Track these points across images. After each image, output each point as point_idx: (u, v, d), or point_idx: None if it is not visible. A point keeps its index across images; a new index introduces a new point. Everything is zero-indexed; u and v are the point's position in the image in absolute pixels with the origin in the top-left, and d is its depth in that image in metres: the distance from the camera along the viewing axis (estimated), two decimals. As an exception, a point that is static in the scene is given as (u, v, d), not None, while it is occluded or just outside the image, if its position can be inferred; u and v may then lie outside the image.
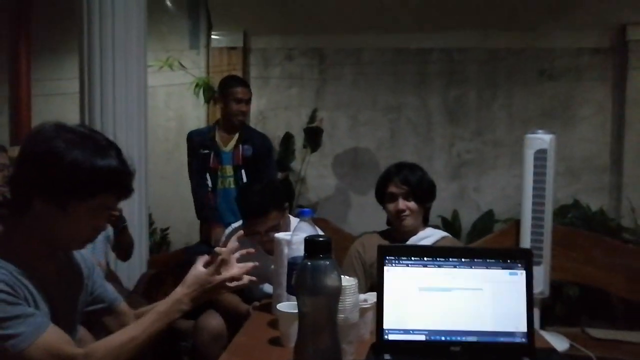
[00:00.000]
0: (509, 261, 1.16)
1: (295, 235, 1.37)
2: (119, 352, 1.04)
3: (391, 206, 1.96)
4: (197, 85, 3.81)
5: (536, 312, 2.43)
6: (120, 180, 1.05)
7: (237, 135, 2.85)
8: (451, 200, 4.01)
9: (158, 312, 1.11)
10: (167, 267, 2.59)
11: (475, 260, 1.16)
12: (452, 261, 1.16)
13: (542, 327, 2.51)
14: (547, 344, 1.32)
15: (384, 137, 4.15)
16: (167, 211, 3.99)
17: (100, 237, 2.11)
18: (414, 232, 1.98)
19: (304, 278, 1.06)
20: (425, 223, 2.05)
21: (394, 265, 1.16)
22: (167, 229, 3.95)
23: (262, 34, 4.12)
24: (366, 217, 4.04)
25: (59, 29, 3.91)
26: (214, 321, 1.99)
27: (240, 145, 2.82)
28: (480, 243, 2.91)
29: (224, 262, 1.18)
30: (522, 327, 1.14)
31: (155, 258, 2.82)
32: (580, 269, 2.57)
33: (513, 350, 1.13)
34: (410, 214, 1.94)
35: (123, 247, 2.32)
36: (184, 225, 4.08)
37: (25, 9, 3.99)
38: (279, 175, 3.91)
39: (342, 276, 1.13)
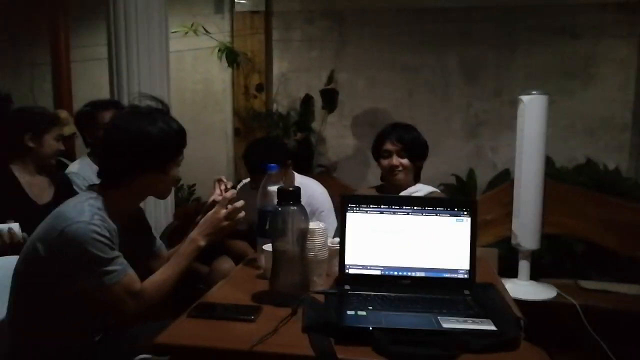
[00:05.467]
0: (455, 210, 1.33)
1: (267, 187, 1.55)
2: (161, 287, 1.33)
3: (385, 162, 2.12)
4: (219, 50, 3.98)
5: (525, 263, 2.58)
6: (185, 134, 1.37)
7: None
8: (467, 159, 4.08)
9: (180, 253, 1.39)
10: (190, 218, 2.86)
11: (427, 209, 1.34)
12: (406, 209, 1.34)
13: (534, 277, 2.65)
14: (500, 285, 1.49)
15: (402, 97, 4.22)
16: (195, 169, 4.27)
17: None
18: (405, 187, 2.14)
19: (276, 221, 1.27)
20: (417, 180, 2.21)
21: (355, 211, 1.35)
22: (193, 185, 4.25)
23: (284, -3, 4.22)
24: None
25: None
26: (225, 264, 2.27)
27: None
28: (481, 198, 3.06)
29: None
30: (465, 266, 1.32)
31: (179, 210, 3.10)
32: (574, 224, 2.68)
33: (455, 284, 1.31)
34: (403, 169, 2.10)
35: None
36: (210, 182, 4.36)
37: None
38: (299, 135, 4.10)
39: (310, 221, 1.34)
